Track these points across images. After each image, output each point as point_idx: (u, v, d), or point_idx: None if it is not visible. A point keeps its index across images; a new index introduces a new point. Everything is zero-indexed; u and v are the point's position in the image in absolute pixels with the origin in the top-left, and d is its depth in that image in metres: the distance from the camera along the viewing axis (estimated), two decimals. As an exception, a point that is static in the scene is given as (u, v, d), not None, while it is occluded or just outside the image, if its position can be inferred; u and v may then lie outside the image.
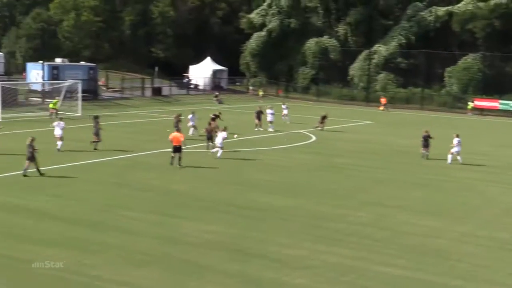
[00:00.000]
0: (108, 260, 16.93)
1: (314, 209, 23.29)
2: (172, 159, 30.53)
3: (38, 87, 59.66)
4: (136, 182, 26.78)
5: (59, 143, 33.66)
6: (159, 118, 50.61)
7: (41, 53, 76.58)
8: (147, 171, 29.35)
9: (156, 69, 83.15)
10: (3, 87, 47.53)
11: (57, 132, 34.09)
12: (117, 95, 68.45)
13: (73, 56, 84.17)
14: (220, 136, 33.50)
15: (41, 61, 62.04)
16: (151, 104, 63.39)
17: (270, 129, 45.11)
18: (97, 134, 34.82)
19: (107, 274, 15.93)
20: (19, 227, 19.64)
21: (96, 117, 36.14)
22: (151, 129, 42.23)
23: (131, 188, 25.62)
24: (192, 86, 79.58)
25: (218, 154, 33.06)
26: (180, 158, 30.25)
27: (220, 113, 43.09)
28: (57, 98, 49.77)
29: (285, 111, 51.85)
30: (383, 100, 71.41)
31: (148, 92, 71.51)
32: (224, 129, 34.23)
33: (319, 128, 46.96)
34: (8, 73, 74.17)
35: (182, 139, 30.51)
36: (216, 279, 15.97)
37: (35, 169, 26.89)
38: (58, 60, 66.41)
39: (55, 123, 35.21)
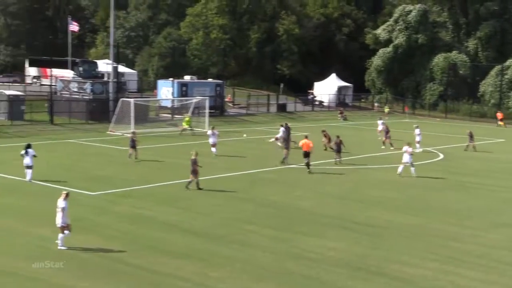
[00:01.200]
0: (233, 274, 17.41)
1: (439, 228, 22.72)
2: (307, 165, 33.14)
3: (168, 104, 62.16)
4: (259, 197, 27.31)
5: (213, 149, 37.87)
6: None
7: (171, 71, 79.87)
8: (270, 186, 29.85)
9: (282, 85, 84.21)
10: (136, 104, 50.04)
11: (212, 140, 38.23)
12: (242, 111, 69.98)
13: (201, 73, 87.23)
14: (407, 153, 32.96)
15: (171, 79, 64.64)
16: (276, 121, 64.20)
17: (418, 150, 43.12)
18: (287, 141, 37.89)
19: None
20: (148, 238, 20.63)
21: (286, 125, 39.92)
22: (275, 145, 42.83)
23: (254, 203, 26.17)
24: (316, 103, 79.86)
25: (412, 171, 32.75)
26: (308, 164, 32.98)
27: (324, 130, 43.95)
28: (186, 115, 51.26)
29: (380, 127, 49.56)
30: (499, 115, 68.44)
31: (273, 109, 72.54)
32: (408, 145, 33.54)
33: (471, 147, 45.04)
34: (140, 90, 77.90)
35: (311, 145, 33.39)
36: (337, 296, 15.99)
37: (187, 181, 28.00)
38: (187, 77, 68.96)
39: (209, 132, 39.24)
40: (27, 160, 28.81)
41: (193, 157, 27.97)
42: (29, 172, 28.71)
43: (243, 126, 56.54)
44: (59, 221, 19.07)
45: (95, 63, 70.93)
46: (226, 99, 72.07)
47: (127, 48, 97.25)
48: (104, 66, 69.51)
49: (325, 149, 42.03)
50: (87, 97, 55.22)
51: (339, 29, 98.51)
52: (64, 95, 56.94)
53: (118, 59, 59.08)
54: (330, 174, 33.53)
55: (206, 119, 53.77)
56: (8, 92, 54.00)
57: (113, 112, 51.75)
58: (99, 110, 54.22)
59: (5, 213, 23.26)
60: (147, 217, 23.31)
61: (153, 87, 76.35)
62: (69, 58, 68.01)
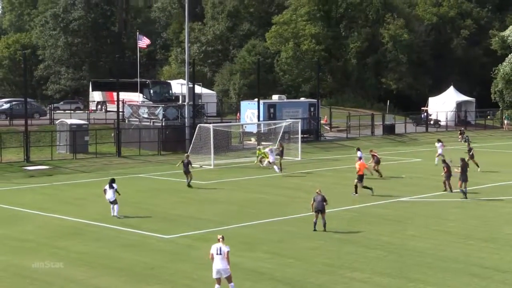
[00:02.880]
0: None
1: None
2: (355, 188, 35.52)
3: (253, 129, 62.58)
4: (363, 237, 26.97)
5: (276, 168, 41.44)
6: (392, 162, 50.54)
7: (256, 90, 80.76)
8: (377, 224, 29.44)
9: (388, 103, 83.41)
10: (215, 130, 50.69)
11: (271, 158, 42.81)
12: (342, 135, 69.64)
13: (291, 91, 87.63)
14: None
15: (256, 99, 65.22)
16: (382, 145, 63.51)
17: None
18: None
19: None
20: (232, 288, 20.68)
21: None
22: (383, 174, 42.32)
23: (357, 245, 25.83)
24: (431, 122, 78.49)
25: None
26: (356, 187, 35.84)
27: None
28: (260, 147, 50.45)
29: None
30: None
31: (379, 131, 71.80)
32: None
33: None
34: (221, 113, 78.95)
35: (366, 166, 37.12)
36: None
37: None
38: (275, 97, 69.34)
39: (267, 150, 43.88)
40: (109, 195, 31.14)
41: (317, 193, 28.58)
42: (114, 207, 31.13)
43: (342, 153, 56.15)
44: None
45: (168, 84, 72.80)
46: (322, 121, 71.98)
47: (205, 65, 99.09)
48: (178, 87, 70.94)
49: (372, 174, 42.07)
50: (159, 124, 56.41)
51: (456, 32, 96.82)
52: (132, 122, 58.38)
53: (194, 79, 60.14)
54: (448, 208, 32.74)
55: (299, 145, 53.78)
56: (69, 121, 55.92)
57: (189, 140, 52.64)
58: (173, 139, 55.28)
59: (67, 258, 23.89)
60: (232, 263, 23.34)
61: (236, 110, 77.21)
62: (138, 80, 69.87)
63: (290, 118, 60.27)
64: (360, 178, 36.34)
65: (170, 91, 72.84)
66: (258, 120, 61.85)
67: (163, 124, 56.32)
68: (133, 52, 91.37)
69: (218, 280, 19.55)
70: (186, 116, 57.18)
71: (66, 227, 29.23)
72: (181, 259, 24.06)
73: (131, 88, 70.63)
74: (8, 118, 63.47)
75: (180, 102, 64.56)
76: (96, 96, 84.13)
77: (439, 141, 49.92)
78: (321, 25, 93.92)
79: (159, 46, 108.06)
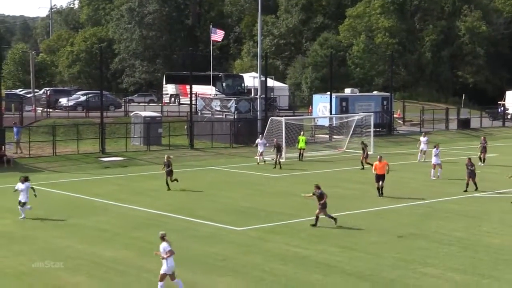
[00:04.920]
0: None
1: None
2: (378, 191, 33.78)
3: (325, 122, 62.48)
4: (436, 233, 26.73)
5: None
6: (466, 157, 49.70)
7: (328, 83, 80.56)
8: (449, 220, 29.11)
9: (464, 97, 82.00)
10: (287, 123, 50.81)
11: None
12: (415, 129, 68.87)
13: (364, 85, 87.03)
14: None
15: (328, 93, 65.07)
16: (456, 140, 62.62)
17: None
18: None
19: None
20: (303, 281, 20.78)
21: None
22: (455, 169, 41.69)
23: (429, 240, 25.63)
24: (508, 117, 76.88)
25: None
26: (382, 188, 33.67)
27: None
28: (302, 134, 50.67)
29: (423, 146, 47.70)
30: None
31: (454, 125, 70.78)
32: None
33: None
34: (293, 107, 79.00)
35: (387, 167, 33.85)
36: None
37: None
38: (347, 91, 69.06)
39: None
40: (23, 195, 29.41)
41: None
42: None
43: (415, 147, 55.57)
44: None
45: (241, 77, 73.24)
46: (395, 115, 71.33)
47: (277, 59, 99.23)
48: (251, 80, 71.30)
49: (362, 167, 43.01)
50: (231, 117, 56.87)
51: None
52: (205, 115, 59.00)
53: (266, 72, 60.36)
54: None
55: (371, 139, 53.44)
56: (144, 114, 56.90)
57: (261, 133, 52.87)
58: (246, 132, 55.65)
59: (141, 249, 24.39)
60: (301, 256, 23.50)
61: (308, 103, 77.19)
62: (211, 73, 70.56)
63: (363, 112, 59.96)
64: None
65: (243, 84, 73.27)
66: (330, 113, 61.73)
67: (235, 117, 56.75)
68: (206, 46, 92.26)
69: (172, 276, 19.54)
70: (258, 109, 57.48)
71: (140, 218, 29.80)
72: (252, 251, 24.28)
73: (204, 81, 71.35)
74: (85, 110, 64.92)
75: (252, 95, 64.91)
76: (169, 89, 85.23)
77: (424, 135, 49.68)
78: (395, 18, 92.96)
79: (232, 40, 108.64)
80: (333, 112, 62.02)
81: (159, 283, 19.22)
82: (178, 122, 60.31)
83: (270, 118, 52.88)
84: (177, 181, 36.29)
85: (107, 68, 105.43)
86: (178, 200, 33.60)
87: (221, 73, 75.56)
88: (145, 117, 55.48)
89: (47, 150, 49.09)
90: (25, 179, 29.61)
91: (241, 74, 79.35)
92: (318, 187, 27.94)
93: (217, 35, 75.17)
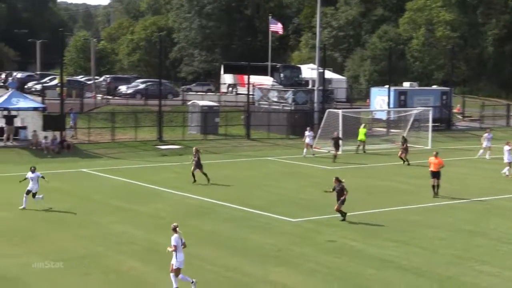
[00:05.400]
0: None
1: None
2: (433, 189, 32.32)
3: (383, 116, 61.99)
4: (495, 230, 26.29)
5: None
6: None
7: (387, 76, 79.91)
8: (509, 218, 28.60)
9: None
10: (344, 115, 50.52)
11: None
12: (474, 124, 67.84)
13: (423, 79, 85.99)
14: None
15: (386, 86, 64.53)
16: (517, 136, 61.50)
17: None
18: None
19: None
20: (357, 274, 20.67)
21: None
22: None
23: (488, 237, 25.22)
24: None
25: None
26: (438, 186, 32.18)
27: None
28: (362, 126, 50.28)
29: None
30: None
31: (515, 121, 69.60)
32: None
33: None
34: (350, 99, 78.57)
35: (442, 164, 32.32)
36: None
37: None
38: (406, 84, 68.33)
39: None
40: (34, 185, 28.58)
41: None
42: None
43: (474, 143, 54.72)
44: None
45: (299, 69, 72.99)
46: (454, 110, 70.33)
47: (335, 51, 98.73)
48: (309, 71, 71.20)
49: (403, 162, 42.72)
50: (288, 108, 56.84)
51: None
52: (262, 106, 59.07)
53: (324, 64, 60.08)
54: None
55: (429, 134, 52.80)
56: (201, 103, 57.25)
57: (318, 125, 52.72)
58: (302, 123, 55.41)
59: (196, 237, 24.56)
60: (356, 249, 23.37)
61: (365, 96, 76.67)
62: (269, 63, 70.58)
63: (421, 106, 59.23)
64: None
65: (300, 76, 73.04)
66: (388, 107, 61.24)
67: (292, 108, 56.68)
68: (264, 36, 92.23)
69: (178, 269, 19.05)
70: (315, 100, 57.31)
71: (196, 206, 29.99)
72: (306, 242, 24.22)
73: (262, 71, 71.43)
74: (143, 98, 65.58)
75: (310, 86, 64.73)
76: (227, 78, 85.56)
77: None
78: (457, 11, 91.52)
79: (291, 31, 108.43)
80: (391, 105, 61.50)
81: (176, 276, 18.85)
82: (235, 112, 60.47)
83: (327, 110, 52.64)
84: (207, 176, 34.75)
85: (166, 57, 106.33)
86: (233, 190, 33.70)
87: (279, 64, 75.45)
88: (202, 106, 55.81)
89: (106, 137, 49.78)
90: (34, 169, 28.74)
91: (299, 66, 79.10)
92: (338, 180, 27.29)
93: (276, 27, 75.14)
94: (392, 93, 62.21)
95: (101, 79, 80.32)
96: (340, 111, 50.77)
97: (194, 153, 35.48)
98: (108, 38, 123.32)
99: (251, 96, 58.67)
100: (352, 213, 28.55)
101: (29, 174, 28.52)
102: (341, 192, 27.05)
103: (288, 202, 31.23)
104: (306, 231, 25.92)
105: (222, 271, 20.79)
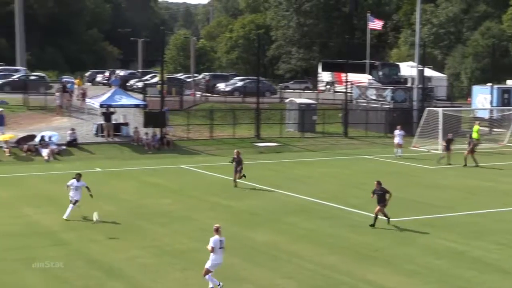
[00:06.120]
0: None
1: None
2: None
3: (485, 114, 60.42)
4: None
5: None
6: None
7: (489, 74, 77.69)
8: None
9: None
10: (444, 114, 49.39)
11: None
12: None
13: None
14: None
15: (489, 84, 62.82)
16: None
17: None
18: None
19: None
20: (457, 276, 20.10)
21: None
22: None
23: None
24: None
25: None
26: None
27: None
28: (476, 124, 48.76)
29: None
30: None
31: None
32: None
33: None
34: (451, 97, 76.89)
35: None
36: None
37: None
38: (510, 82, 66.29)
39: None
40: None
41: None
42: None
43: None
44: None
45: (397, 66, 71.85)
46: None
47: (435, 48, 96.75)
48: (408, 69, 69.99)
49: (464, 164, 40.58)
50: (386, 106, 56.08)
51: None
52: (360, 104, 58.50)
53: (424, 61, 58.97)
54: None
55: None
56: (299, 101, 57.12)
57: (417, 123, 51.81)
58: (401, 121, 54.46)
59: (293, 235, 24.43)
60: (457, 251, 22.74)
61: (467, 94, 74.89)
62: (367, 61, 69.74)
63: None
64: None
65: (399, 73, 71.99)
66: (491, 105, 59.67)
67: (391, 106, 55.90)
68: (363, 34, 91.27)
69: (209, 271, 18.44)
70: (414, 99, 56.38)
71: (293, 204, 29.88)
72: (406, 243, 23.74)
73: (360, 69, 70.71)
74: (241, 95, 65.97)
75: (409, 84, 63.71)
76: (325, 76, 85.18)
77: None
78: None
79: (389, 28, 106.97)
80: (494, 104, 59.91)
81: (204, 275, 18.41)
82: (333, 110, 60.03)
83: (426, 109, 51.66)
84: (245, 177, 33.16)
85: (264, 55, 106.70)
86: (330, 188, 33.42)
87: (377, 62, 74.48)
88: (300, 104, 55.69)
89: (205, 134, 50.28)
90: (80, 177, 25.73)
91: (398, 63, 77.93)
92: (379, 183, 25.78)
93: (375, 24, 74.23)
94: (495, 92, 60.68)
95: (200, 76, 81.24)
96: (440, 110, 49.72)
97: (235, 156, 33.37)
98: (207, 36, 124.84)
99: (349, 94, 58.19)
100: (453, 214, 27.88)
101: (73, 182, 25.58)
102: (382, 196, 25.53)
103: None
104: (406, 231, 25.38)
105: (319, 269, 20.59)
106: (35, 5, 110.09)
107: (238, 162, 32.99)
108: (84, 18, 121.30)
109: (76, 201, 25.56)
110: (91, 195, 25.70)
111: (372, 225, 25.42)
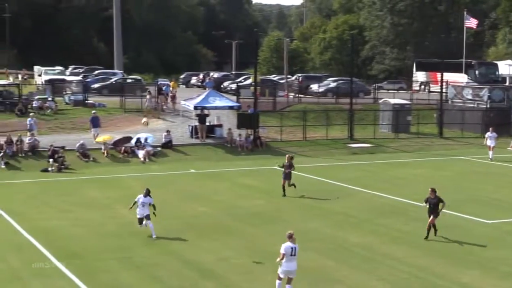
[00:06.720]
0: None
1: None
2: None
3: None
4: None
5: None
6: None
7: None
8: None
9: None
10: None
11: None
12: None
13: None
14: None
15: None
16: None
17: None
18: None
19: None
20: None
21: None
22: None
23: None
24: None
25: None
26: None
27: None
28: None
29: None
30: None
31: None
32: None
33: None
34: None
35: None
36: None
37: None
38: None
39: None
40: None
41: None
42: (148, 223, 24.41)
43: None
44: None
45: (495, 65, 70.49)
46: None
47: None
48: (506, 68, 68.38)
49: None
50: (483, 106, 54.90)
51: None
52: (456, 104, 57.46)
53: (523, 59, 57.53)
54: None
55: None
56: (393, 101, 56.56)
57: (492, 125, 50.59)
58: (498, 122, 53.25)
59: (388, 236, 24.31)
60: None
61: None
62: (463, 60, 68.41)
63: None
64: None
65: (497, 73, 70.47)
66: None
67: (488, 106, 54.70)
68: (459, 32, 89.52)
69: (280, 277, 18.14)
70: (513, 98, 55.11)
71: (387, 205, 29.73)
72: (502, 245, 23.35)
73: (456, 68, 69.43)
74: (335, 96, 65.78)
75: (507, 84, 62.21)
76: (419, 76, 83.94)
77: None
78: None
79: (486, 26, 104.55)
80: None
81: (278, 280, 18.29)
82: (427, 110, 59.12)
83: (525, 108, 50.39)
84: (295, 187, 31.63)
85: (357, 55, 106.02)
86: (424, 189, 32.77)
87: (474, 61, 73.08)
88: (394, 104, 55.14)
89: (298, 135, 50.41)
90: (148, 193, 24.27)
91: (496, 62, 76.17)
92: (434, 191, 24.28)
93: (471, 22, 72.78)
94: None
95: (293, 78, 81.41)
96: (539, 109, 48.37)
97: (286, 162, 31.82)
98: (300, 38, 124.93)
99: (444, 93, 57.20)
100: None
101: (141, 198, 24.20)
102: (436, 205, 24.18)
103: (482, 202, 30.22)
104: (502, 233, 24.96)
105: (414, 271, 20.48)
106: (132, 10, 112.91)
107: (288, 166, 31.52)
108: (179, 21, 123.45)
109: (147, 216, 24.04)
110: (154, 214, 24.15)
111: (426, 238, 24.05)
